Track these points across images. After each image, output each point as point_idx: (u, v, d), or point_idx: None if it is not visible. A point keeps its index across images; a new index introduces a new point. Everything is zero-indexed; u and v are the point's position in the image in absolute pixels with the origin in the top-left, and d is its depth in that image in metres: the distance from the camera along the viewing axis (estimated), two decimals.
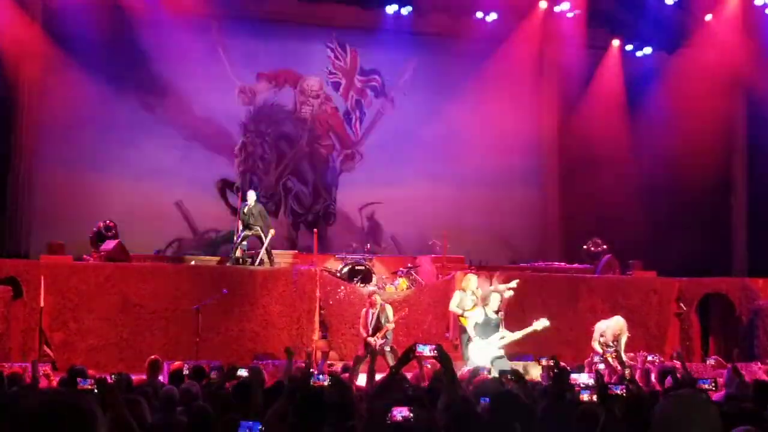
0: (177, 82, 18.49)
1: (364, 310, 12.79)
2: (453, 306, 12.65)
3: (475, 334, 11.73)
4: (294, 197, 19.42)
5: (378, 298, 12.79)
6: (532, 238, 20.06)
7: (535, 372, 12.27)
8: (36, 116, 17.51)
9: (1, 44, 16.73)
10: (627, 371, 11.59)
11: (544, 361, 8.41)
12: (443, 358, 5.22)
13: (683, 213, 18.58)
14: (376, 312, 12.57)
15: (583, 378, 5.05)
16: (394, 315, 12.79)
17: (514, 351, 12.30)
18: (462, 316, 12.29)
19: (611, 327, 12.36)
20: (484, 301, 12.04)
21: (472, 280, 12.70)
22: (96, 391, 4.33)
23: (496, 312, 11.75)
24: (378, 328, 12.50)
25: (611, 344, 12.28)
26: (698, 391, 5.29)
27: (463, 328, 12.12)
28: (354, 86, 20.04)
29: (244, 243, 15.70)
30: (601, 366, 11.88)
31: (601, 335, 12.38)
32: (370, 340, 12.43)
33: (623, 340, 12.34)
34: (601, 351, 12.28)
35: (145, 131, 18.24)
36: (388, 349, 12.45)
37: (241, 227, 15.54)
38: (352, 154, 19.89)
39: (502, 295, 12.04)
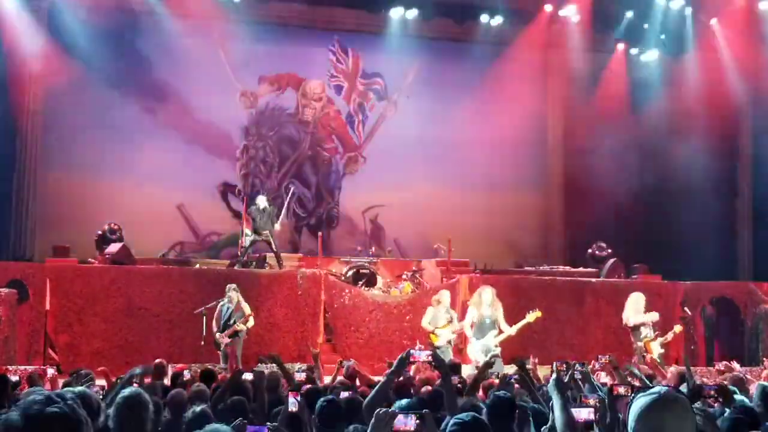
0: (179, 85, 18.52)
1: (221, 303, 12.40)
2: (425, 323, 12.25)
3: (471, 334, 11.91)
4: (296, 200, 19.40)
5: (235, 294, 12.33)
6: (536, 242, 20.02)
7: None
8: (41, 120, 17.54)
9: (8, 49, 16.78)
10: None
11: (557, 365, 8.39)
12: (439, 364, 5.17)
13: (688, 217, 18.53)
14: (232, 308, 12.26)
15: (583, 414, 4.62)
16: (252, 315, 12.36)
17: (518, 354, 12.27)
18: (433, 333, 12.05)
19: (632, 300, 12.70)
20: (479, 301, 12.12)
21: (445, 296, 12.61)
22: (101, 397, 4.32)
23: (490, 306, 11.88)
24: (228, 325, 12.21)
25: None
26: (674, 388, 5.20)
27: (433, 346, 11.49)
28: (356, 89, 20.02)
29: (251, 248, 15.70)
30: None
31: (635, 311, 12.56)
32: (218, 336, 12.18)
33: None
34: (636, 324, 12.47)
35: (147, 135, 18.23)
36: (238, 353, 12.05)
37: (249, 231, 15.49)
38: (355, 157, 19.86)
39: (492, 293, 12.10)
